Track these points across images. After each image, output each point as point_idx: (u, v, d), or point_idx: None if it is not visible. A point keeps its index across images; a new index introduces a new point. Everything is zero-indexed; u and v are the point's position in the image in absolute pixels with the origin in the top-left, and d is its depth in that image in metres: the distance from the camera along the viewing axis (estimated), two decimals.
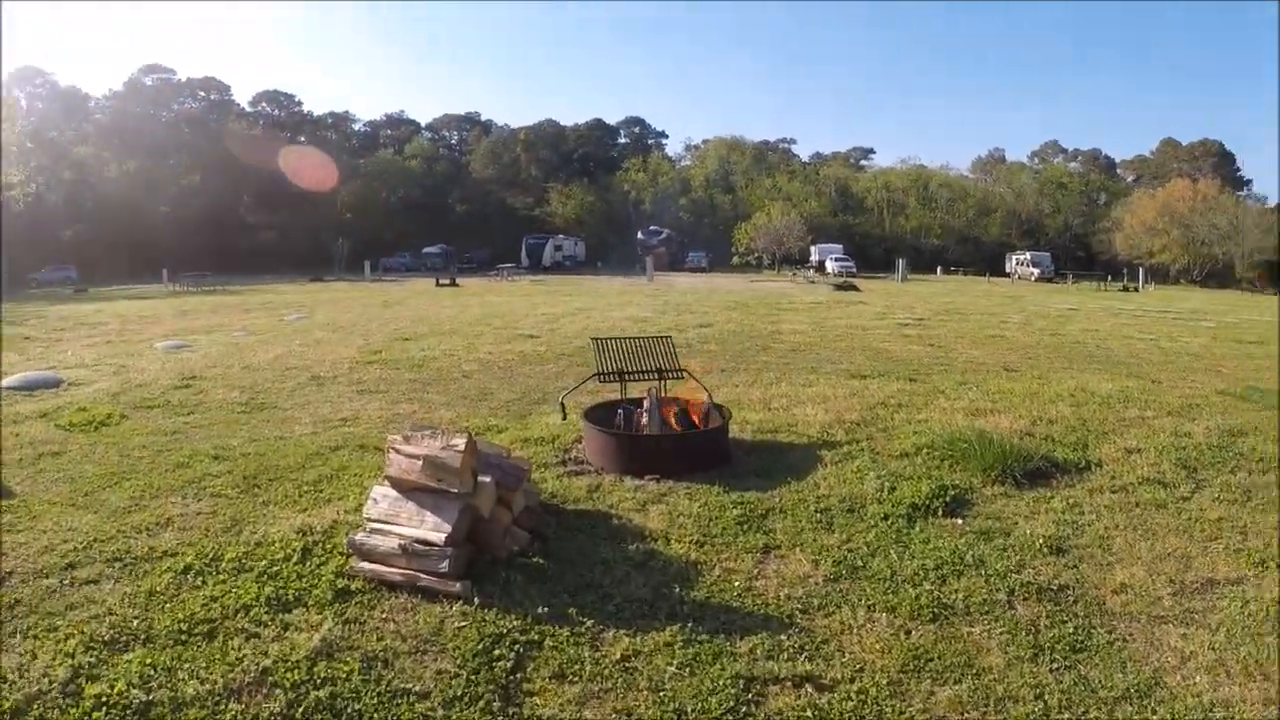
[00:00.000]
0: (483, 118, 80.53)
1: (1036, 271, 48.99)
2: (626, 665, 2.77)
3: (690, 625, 3.00)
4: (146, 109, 59.30)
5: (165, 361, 9.25)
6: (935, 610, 3.25)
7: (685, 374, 5.68)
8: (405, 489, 3.26)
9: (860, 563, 3.70)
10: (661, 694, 2.60)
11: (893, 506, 4.38)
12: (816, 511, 4.32)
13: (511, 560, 3.36)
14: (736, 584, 3.36)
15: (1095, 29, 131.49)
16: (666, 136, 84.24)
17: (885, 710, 2.55)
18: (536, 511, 3.75)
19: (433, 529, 3.12)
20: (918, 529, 4.13)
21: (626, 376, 5.47)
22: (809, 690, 2.66)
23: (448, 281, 28.26)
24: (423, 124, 78.98)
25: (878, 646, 2.96)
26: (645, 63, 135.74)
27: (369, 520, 3.26)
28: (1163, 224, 56.22)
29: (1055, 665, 2.83)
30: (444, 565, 3.03)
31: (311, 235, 54.35)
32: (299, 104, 71.31)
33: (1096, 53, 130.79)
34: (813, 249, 51.58)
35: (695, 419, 5.21)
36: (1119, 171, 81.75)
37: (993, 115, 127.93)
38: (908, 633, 3.08)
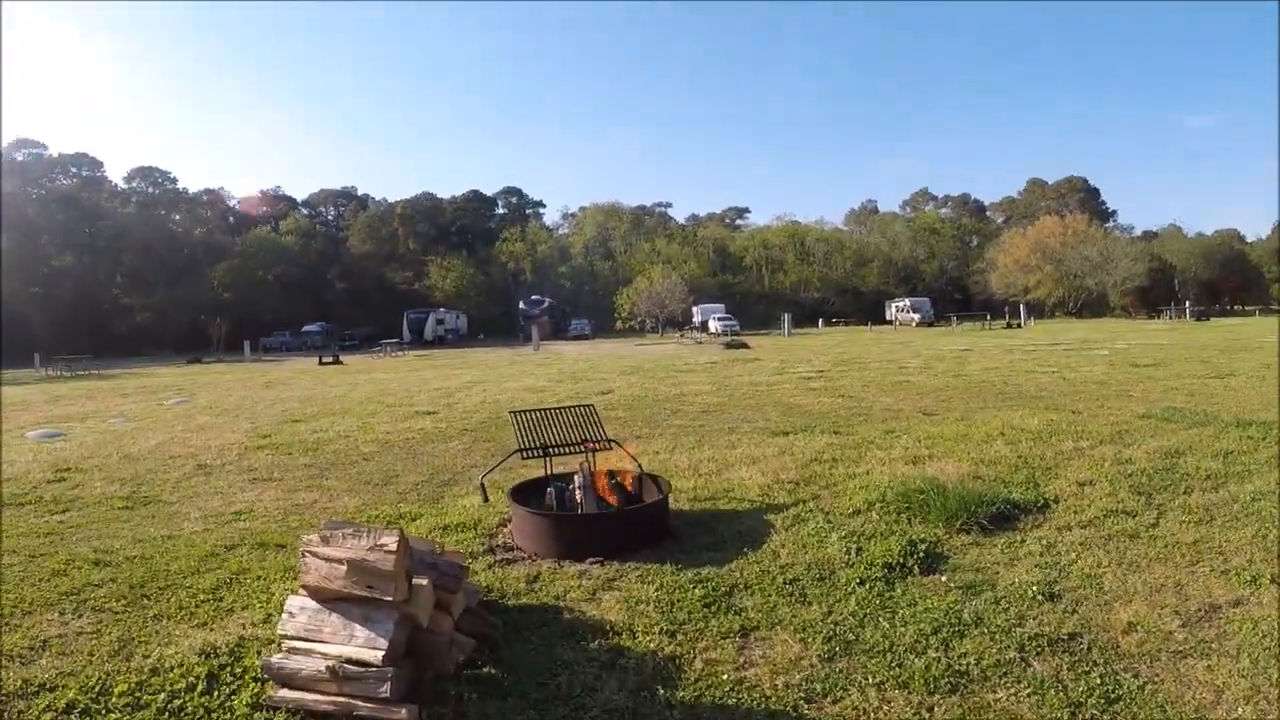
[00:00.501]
0: (359, 192, 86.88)
1: (917, 317, 55.61)
2: None
3: None
4: (17, 186, 61.04)
5: (37, 452, 9.19)
6: (951, 680, 3.14)
7: (614, 444, 5.60)
8: (326, 598, 3.00)
9: (852, 635, 3.55)
10: None
11: (865, 569, 4.32)
12: (785, 583, 4.20)
13: (460, 674, 3.13)
14: (725, 677, 3.17)
15: (956, 75, 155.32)
16: (544, 205, 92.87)
17: None
18: (478, 612, 3.55)
19: (365, 645, 2.89)
20: (900, 591, 4.06)
21: (551, 451, 5.32)
22: None
23: (331, 359, 29.66)
24: (299, 200, 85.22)
25: None
26: (520, 131, 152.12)
27: (285, 638, 3.03)
28: (1036, 260, 66.09)
29: None
30: (384, 689, 2.79)
31: (188, 316, 57.49)
32: (174, 180, 75.27)
33: (962, 99, 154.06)
34: (695, 310, 57.97)
35: (632, 492, 5.07)
36: (989, 213, 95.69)
37: (864, 167, 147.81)
38: (930, 709, 2.92)
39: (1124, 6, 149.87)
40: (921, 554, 4.48)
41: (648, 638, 3.49)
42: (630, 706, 2.92)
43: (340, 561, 2.95)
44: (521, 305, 59.33)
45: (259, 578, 4.43)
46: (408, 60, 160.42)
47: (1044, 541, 4.78)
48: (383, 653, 2.84)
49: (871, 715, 2.89)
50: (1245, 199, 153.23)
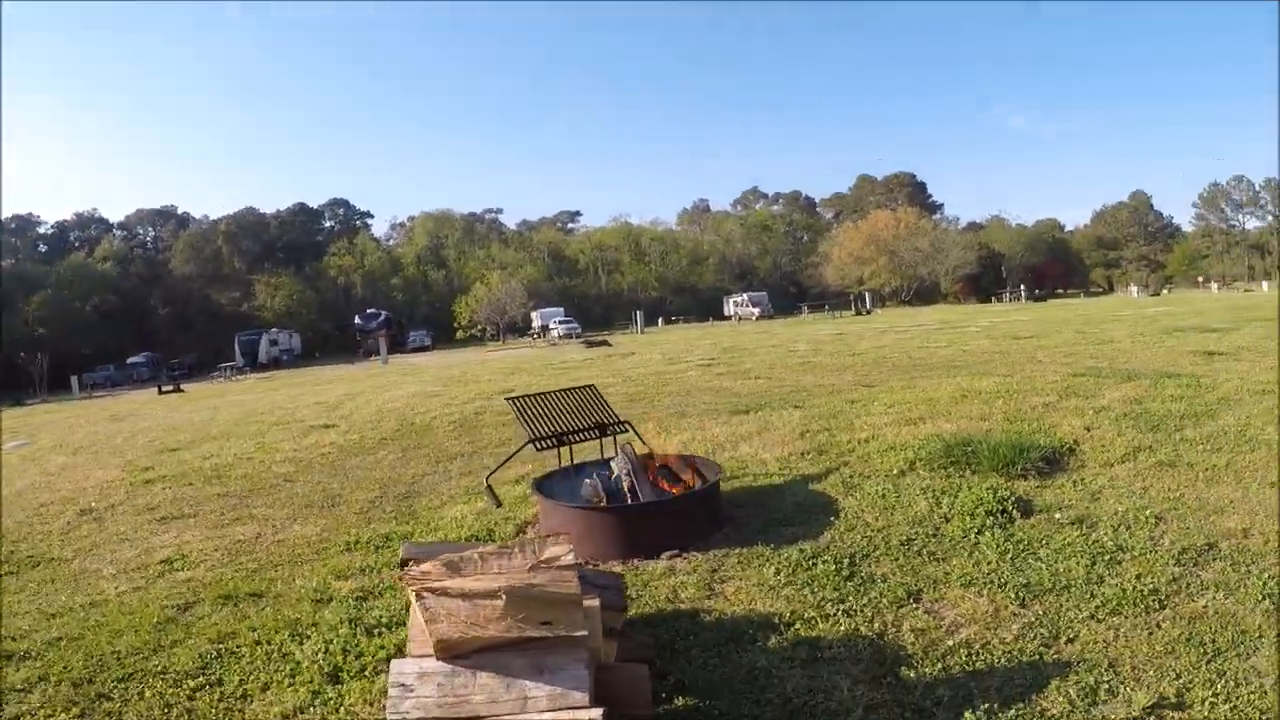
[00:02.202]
0: (179, 210, 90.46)
1: (757, 311, 62.39)
2: None
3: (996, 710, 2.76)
4: None
5: None
6: (1149, 599, 3.60)
7: (629, 426, 5.56)
8: (465, 651, 2.45)
9: (1022, 580, 3.87)
10: None
11: (969, 520, 4.65)
12: (901, 544, 4.43)
13: (655, 715, 2.81)
14: (947, 643, 3.30)
15: (784, 74, 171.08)
16: (372, 216, 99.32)
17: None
18: (625, 632, 3.19)
19: (556, 708, 2.37)
20: (1020, 534, 4.43)
21: (567, 439, 5.19)
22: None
23: (171, 388, 30.98)
24: (115, 222, 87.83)
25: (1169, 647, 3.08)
26: (345, 141, 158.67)
27: None
28: (870, 252, 76.82)
29: None
30: None
31: (1, 355, 57.65)
32: None
33: (789, 98, 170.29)
34: (534, 315, 62.25)
35: (681, 476, 5.05)
36: (819, 209, 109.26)
37: (694, 165, 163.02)
38: (1157, 625, 3.33)
39: (942, 7, 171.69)
40: (1008, 499, 4.82)
41: (827, 622, 3.54)
42: (885, 698, 2.89)
43: (490, 596, 2.44)
44: (357, 320, 62.86)
45: (256, 642, 3.83)
46: (227, 67, 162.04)
47: (1102, 478, 5.37)
48: (594, 713, 2.37)
49: (1111, 645, 3.21)
50: (1064, 191, 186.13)
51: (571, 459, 5.40)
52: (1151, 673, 2.95)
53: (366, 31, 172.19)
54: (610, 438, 5.57)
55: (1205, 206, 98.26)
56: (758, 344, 21.93)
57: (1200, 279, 76.84)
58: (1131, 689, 2.84)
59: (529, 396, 5.58)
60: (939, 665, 3.08)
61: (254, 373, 45.70)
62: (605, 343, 31.12)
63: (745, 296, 66.70)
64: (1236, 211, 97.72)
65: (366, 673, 3.29)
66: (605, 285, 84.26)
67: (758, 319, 58.05)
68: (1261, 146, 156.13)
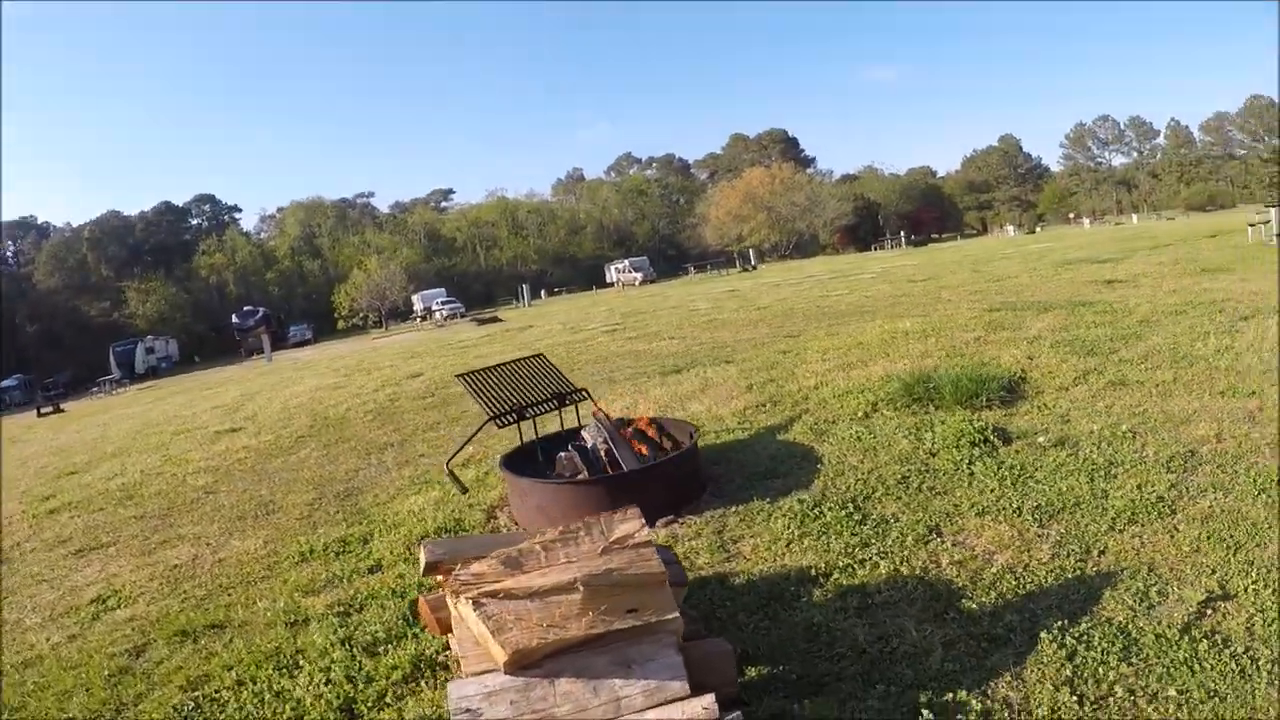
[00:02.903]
0: (39, 220, 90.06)
1: (640, 276, 64.86)
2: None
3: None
4: None
5: None
6: (1159, 506, 3.94)
7: (586, 394, 5.56)
8: (538, 658, 2.30)
9: (1032, 503, 4.16)
10: None
11: (957, 451, 4.92)
12: (898, 482, 4.66)
13: (738, 689, 2.71)
14: (990, 571, 3.51)
15: (649, 37, 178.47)
16: (240, 210, 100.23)
17: None
18: (683, 610, 3.10)
19: (658, 702, 2.27)
20: (1010, 459, 4.73)
21: (529, 412, 5.11)
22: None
23: (51, 409, 30.66)
24: None
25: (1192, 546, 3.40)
26: (205, 133, 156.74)
27: None
28: (748, 210, 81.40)
29: None
30: None
31: None
32: None
33: (659, 61, 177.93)
34: (415, 298, 63.78)
35: (656, 439, 5.09)
36: (693, 171, 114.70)
37: (565, 135, 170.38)
38: (1176, 528, 3.64)
39: None
40: (986, 429, 5.11)
41: (864, 568, 3.65)
42: (958, 633, 3.01)
43: (565, 589, 2.27)
44: (234, 319, 63.47)
45: (239, 682, 3.46)
46: (75, 63, 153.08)
47: (1064, 401, 5.77)
48: (704, 700, 2.26)
49: (1140, 551, 3.51)
50: (935, 139, 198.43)
51: (535, 432, 5.30)
52: (1189, 571, 3.23)
53: (208, 16, 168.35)
54: (570, 407, 5.52)
55: (1073, 146, 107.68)
56: (655, 306, 22.16)
57: (1071, 215, 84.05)
58: (1178, 588, 3.10)
59: (478, 372, 5.44)
60: (993, 593, 3.25)
61: (133, 384, 45.13)
62: (496, 319, 30.93)
63: (626, 263, 69.29)
64: (1103, 149, 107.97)
65: (388, 700, 3.07)
66: (485, 262, 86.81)
67: (641, 283, 60.17)
68: (1124, 84, 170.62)
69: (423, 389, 11.14)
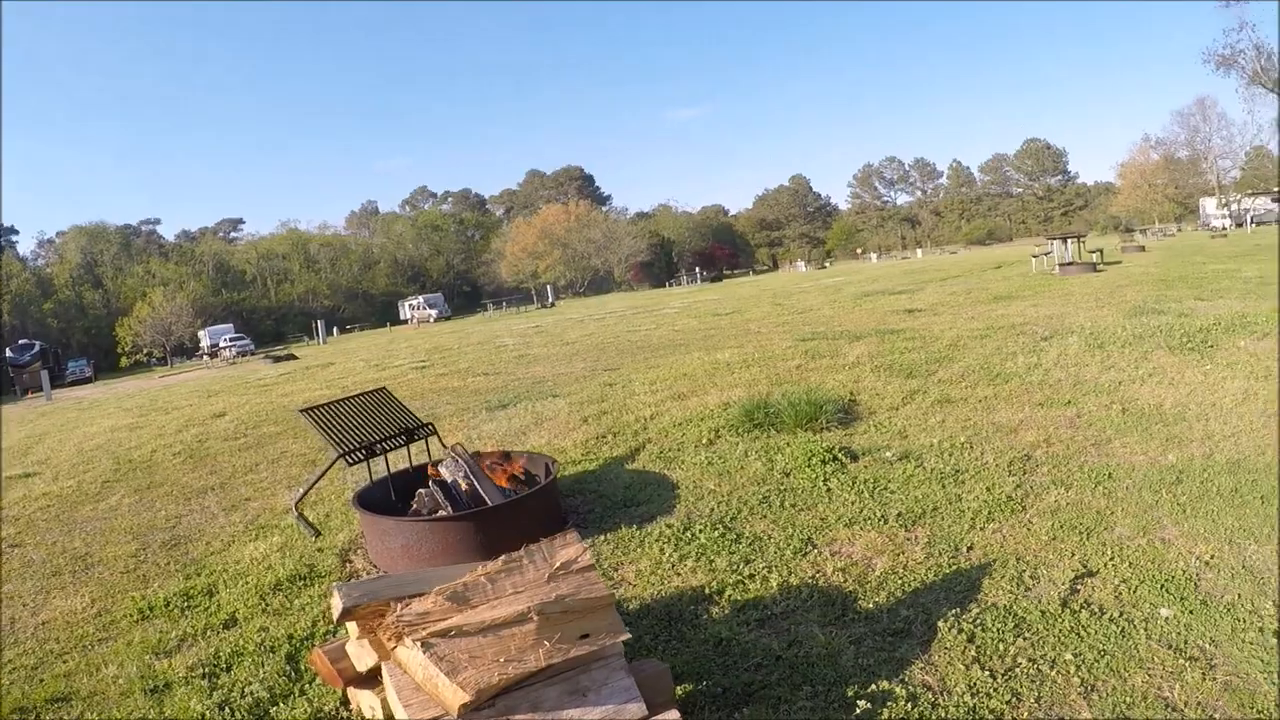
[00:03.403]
0: None
1: (435, 313, 67.46)
2: None
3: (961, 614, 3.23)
4: None
5: None
6: (1012, 503, 4.44)
7: (433, 428, 5.54)
8: (490, 696, 2.27)
9: (894, 510, 4.56)
10: None
11: (811, 470, 5.29)
12: (760, 502, 4.92)
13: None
14: (878, 574, 3.83)
15: (449, 71, 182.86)
16: (17, 233, 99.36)
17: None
18: None
19: None
20: (862, 474, 5.17)
21: (379, 448, 5.05)
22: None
23: None
24: None
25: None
26: None
27: None
28: (544, 246, 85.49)
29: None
30: None
31: None
32: None
33: (457, 96, 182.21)
34: (202, 334, 63.24)
35: (515, 472, 5.15)
36: (489, 206, 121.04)
37: (361, 165, 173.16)
38: (1030, 522, 4.07)
39: (604, 5, 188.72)
40: (833, 448, 5.54)
41: (754, 582, 3.81)
42: (863, 631, 3.24)
43: (519, 620, 2.27)
44: (9, 353, 61.18)
45: None
46: None
47: (897, 420, 6.35)
48: (669, 716, 2.34)
49: (1005, 544, 3.95)
50: (728, 178, 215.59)
51: (388, 468, 5.15)
52: (1052, 557, 3.67)
53: None
54: (417, 443, 5.48)
55: (860, 185, 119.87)
56: (459, 343, 21.92)
57: (859, 251, 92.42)
58: (1047, 572, 3.53)
59: (321, 407, 5.23)
60: (882, 593, 3.52)
61: None
62: (291, 356, 29.38)
63: (421, 299, 71.71)
64: (889, 188, 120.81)
65: None
66: (275, 296, 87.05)
67: (436, 320, 62.47)
68: (910, 128, 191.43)
69: (231, 429, 10.43)
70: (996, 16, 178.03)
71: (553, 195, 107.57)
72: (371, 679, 2.73)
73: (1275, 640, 2.84)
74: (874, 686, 2.75)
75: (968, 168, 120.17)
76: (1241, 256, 20.76)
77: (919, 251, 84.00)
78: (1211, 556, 3.50)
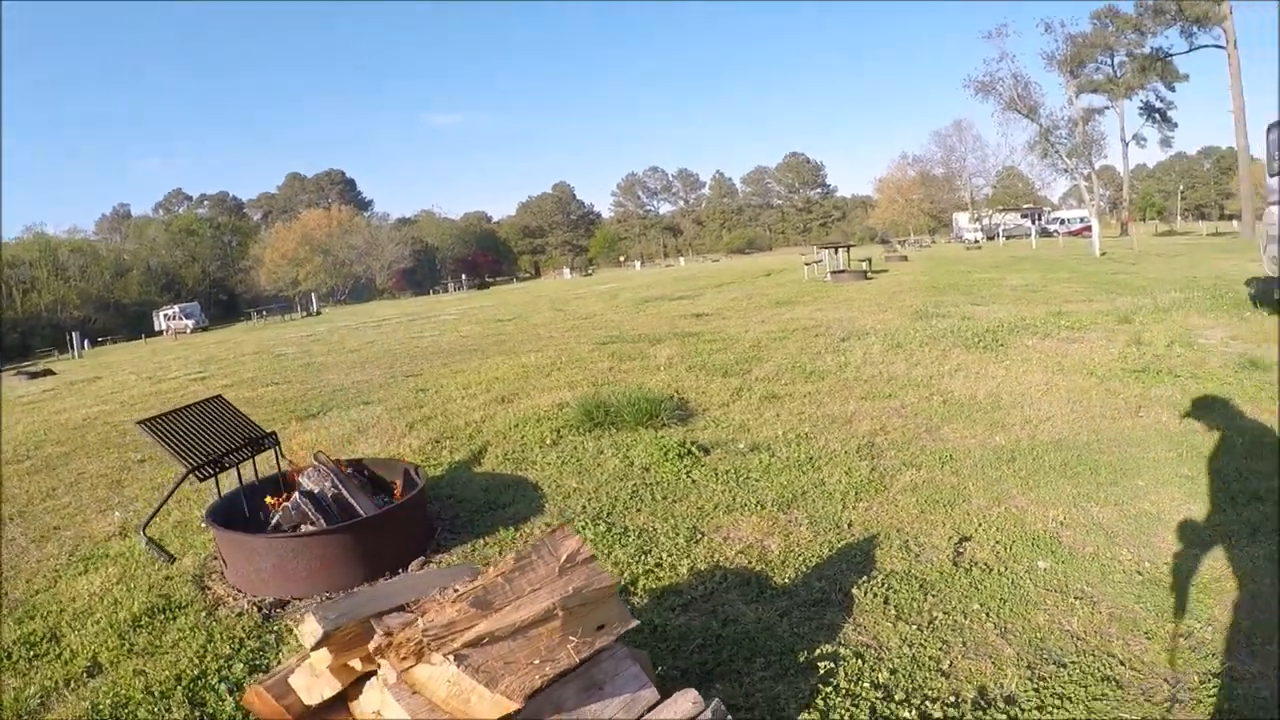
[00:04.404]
0: None
1: (191, 323, 66.21)
2: None
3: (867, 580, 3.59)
4: None
5: None
6: (873, 482, 4.83)
7: (276, 438, 5.33)
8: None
9: (767, 496, 4.91)
10: None
11: (669, 464, 5.56)
12: (631, 497, 5.13)
13: None
14: (776, 554, 4.22)
15: (202, 68, 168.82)
16: None
17: None
18: None
19: (647, 711, 2.41)
20: (721, 465, 5.49)
21: (227, 461, 4.81)
22: None
23: None
24: None
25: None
26: None
27: None
28: (304, 253, 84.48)
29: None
30: None
31: None
32: None
33: (213, 96, 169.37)
34: None
35: (379, 481, 5.09)
36: (248, 211, 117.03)
37: (114, 165, 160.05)
38: (894, 492, 4.45)
39: (365, 7, 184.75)
40: (685, 443, 5.86)
41: (662, 570, 3.96)
42: (784, 603, 3.51)
43: (545, 618, 2.25)
44: None
45: None
46: None
47: (734, 416, 6.79)
48: (689, 695, 2.41)
49: (879, 518, 4.40)
50: (492, 185, 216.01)
51: (240, 481, 4.83)
52: (927, 527, 4.15)
53: None
54: (263, 454, 5.22)
55: (623, 194, 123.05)
56: (231, 354, 20.52)
57: (622, 259, 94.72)
58: (929, 540, 3.99)
59: (158, 419, 4.84)
60: (790, 570, 3.82)
61: None
62: (49, 371, 26.07)
63: (177, 309, 70.42)
64: (652, 198, 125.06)
65: None
66: (21, 307, 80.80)
67: (193, 331, 60.99)
68: (672, 138, 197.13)
69: (10, 452, 9.22)
70: (761, 33, 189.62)
71: (314, 200, 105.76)
72: (322, 713, 2.61)
73: (1139, 577, 3.44)
74: (820, 650, 3.03)
75: (730, 179, 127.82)
76: (1001, 267, 23.46)
77: (682, 260, 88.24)
78: (1064, 518, 4.12)
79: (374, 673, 2.51)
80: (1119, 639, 3.01)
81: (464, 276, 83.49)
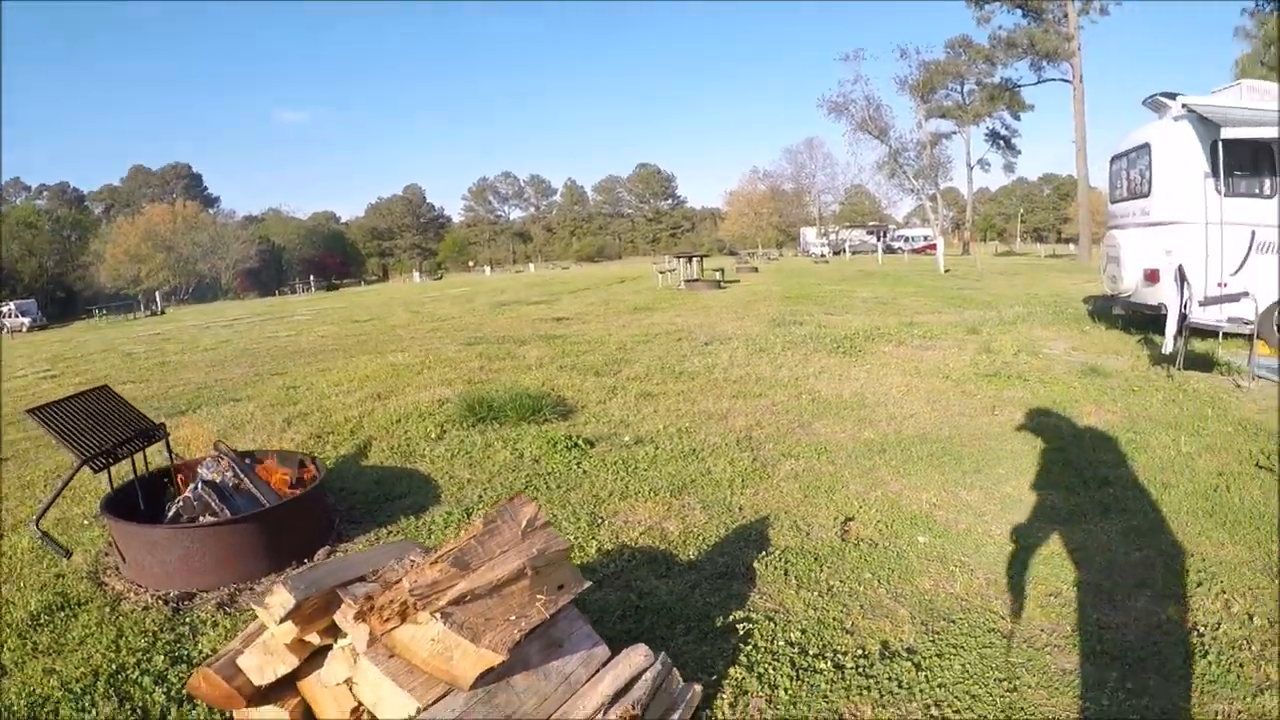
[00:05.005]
0: None
1: (28, 320, 63.31)
2: None
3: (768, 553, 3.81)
4: None
5: None
6: (757, 469, 5.07)
7: (165, 429, 5.14)
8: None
9: (663, 484, 5.05)
10: None
11: (558, 455, 5.72)
12: (526, 486, 5.26)
13: None
14: (677, 535, 4.43)
15: (35, 52, 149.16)
16: None
17: None
18: None
19: (593, 671, 2.57)
20: (612, 454, 5.68)
21: (120, 452, 4.62)
22: None
23: None
24: None
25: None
26: None
27: None
28: (147, 249, 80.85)
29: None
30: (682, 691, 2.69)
31: None
32: None
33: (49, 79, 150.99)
34: None
35: (274, 470, 5.00)
36: (88, 204, 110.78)
37: None
38: (781, 484, 4.75)
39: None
40: (570, 436, 6.03)
41: (570, 552, 4.01)
42: (697, 578, 3.75)
43: (517, 577, 2.37)
44: None
45: None
46: None
47: (613, 412, 7.01)
48: (640, 650, 2.60)
49: (767, 502, 4.71)
50: (340, 186, 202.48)
51: (135, 472, 4.62)
52: (811, 510, 4.46)
53: None
54: (154, 445, 4.98)
55: (474, 199, 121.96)
56: (76, 352, 19.13)
57: (471, 264, 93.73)
58: (816, 520, 4.29)
59: (47, 407, 4.58)
60: (691, 549, 4.03)
61: None
62: None
63: (13, 305, 66.56)
64: (503, 203, 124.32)
65: None
66: None
67: (29, 329, 57.45)
68: (526, 146, 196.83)
69: None
70: (619, 41, 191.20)
71: (158, 194, 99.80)
72: (270, 693, 2.62)
73: (1009, 548, 3.85)
74: (733, 616, 3.24)
75: (581, 187, 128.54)
76: (849, 280, 24.54)
77: (532, 266, 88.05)
78: (936, 501, 4.51)
79: (328, 647, 2.55)
80: (997, 599, 3.37)
81: (312, 277, 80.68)
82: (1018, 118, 62.09)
